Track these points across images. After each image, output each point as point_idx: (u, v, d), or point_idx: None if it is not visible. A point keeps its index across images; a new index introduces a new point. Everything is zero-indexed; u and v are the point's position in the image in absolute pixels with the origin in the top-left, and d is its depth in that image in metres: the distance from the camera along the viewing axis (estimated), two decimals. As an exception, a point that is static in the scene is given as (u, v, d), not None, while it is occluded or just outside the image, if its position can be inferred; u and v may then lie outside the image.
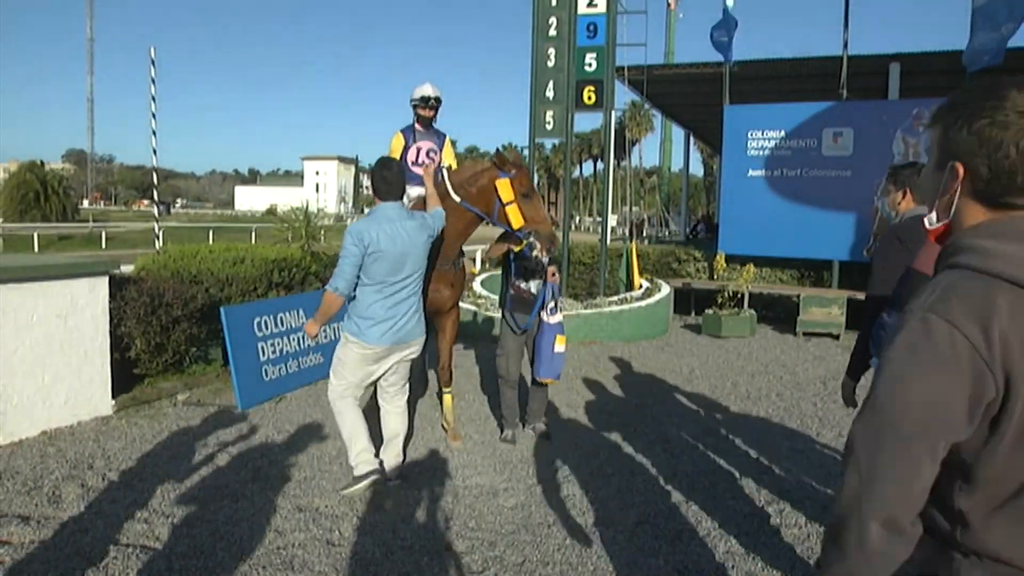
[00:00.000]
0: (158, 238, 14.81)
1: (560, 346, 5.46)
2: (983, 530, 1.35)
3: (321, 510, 4.30)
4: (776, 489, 4.79)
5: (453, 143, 6.54)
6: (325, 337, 7.26)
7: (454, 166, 6.57)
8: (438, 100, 6.47)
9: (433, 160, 6.61)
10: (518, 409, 5.75)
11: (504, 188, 5.13)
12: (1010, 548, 1.33)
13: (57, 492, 4.42)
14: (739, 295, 11.50)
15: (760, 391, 7.57)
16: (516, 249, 5.33)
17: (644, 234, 37.66)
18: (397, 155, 6.50)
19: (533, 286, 5.56)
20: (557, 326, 5.48)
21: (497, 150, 5.33)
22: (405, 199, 6.06)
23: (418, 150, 6.54)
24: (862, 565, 1.37)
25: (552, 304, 5.48)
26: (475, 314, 10.14)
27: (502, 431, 5.74)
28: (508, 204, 5.13)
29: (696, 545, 3.96)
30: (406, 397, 4.92)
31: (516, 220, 5.13)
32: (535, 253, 5.24)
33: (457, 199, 5.29)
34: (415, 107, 6.47)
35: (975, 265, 1.32)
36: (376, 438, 4.75)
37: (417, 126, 6.51)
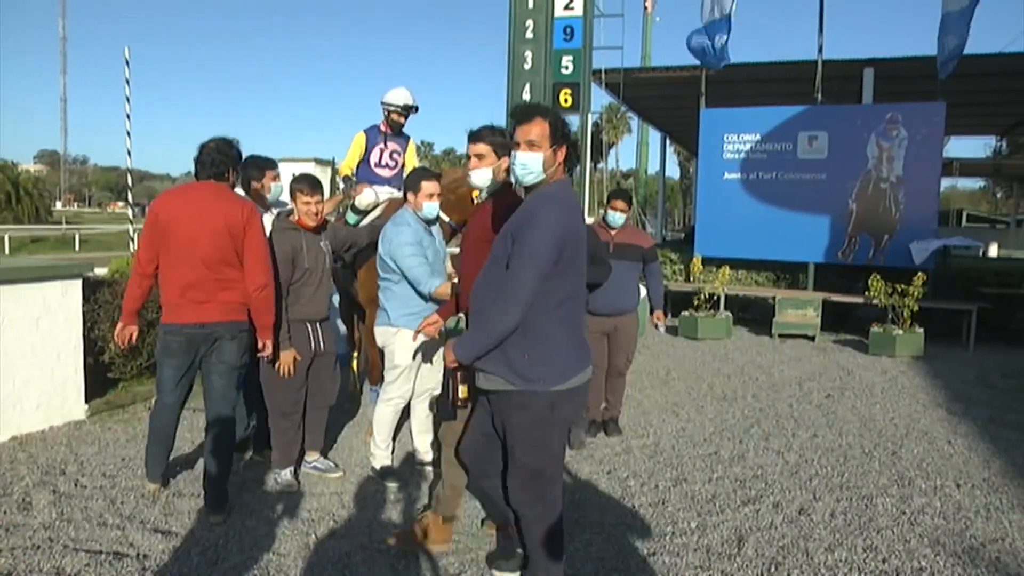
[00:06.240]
0: (133, 240, 14.66)
1: None
2: None
3: (297, 513, 4.27)
4: (753, 491, 4.82)
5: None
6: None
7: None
8: (416, 109, 6.47)
9: (396, 162, 6.59)
10: None
11: None
12: None
13: (27, 499, 4.36)
14: (715, 297, 11.57)
15: (736, 392, 7.62)
16: None
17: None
18: (356, 159, 6.48)
19: None
20: None
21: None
22: (374, 198, 6.04)
23: (381, 151, 6.52)
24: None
25: None
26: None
27: None
28: None
29: (676, 546, 3.98)
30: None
31: None
32: None
33: None
34: (389, 111, 6.45)
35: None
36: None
37: (383, 128, 6.49)
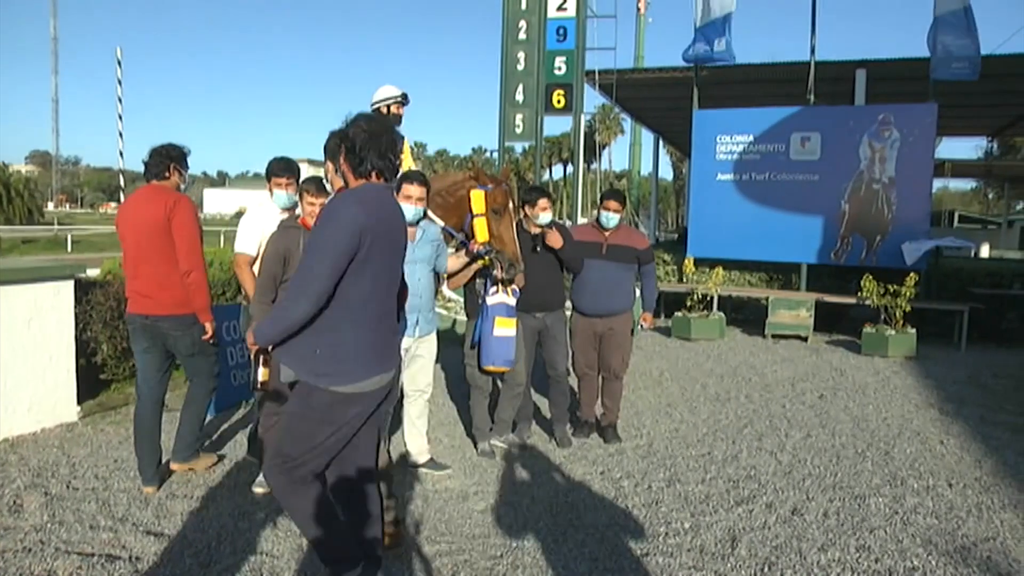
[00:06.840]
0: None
1: (502, 329, 5.11)
2: None
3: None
4: (746, 491, 4.83)
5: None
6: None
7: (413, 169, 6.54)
8: (408, 98, 6.45)
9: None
10: (489, 420, 5.57)
11: (477, 200, 5.05)
12: None
13: (18, 501, 4.34)
14: (708, 298, 11.59)
15: (729, 393, 7.63)
16: (481, 263, 5.19)
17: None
18: None
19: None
20: (498, 307, 5.13)
21: (472, 163, 5.24)
22: None
23: None
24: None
25: (493, 288, 5.16)
26: (443, 317, 10.11)
27: (476, 445, 5.53)
28: (477, 216, 5.05)
29: (670, 547, 3.99)
30: None
31: (482, 233, 5.02)
32: (495, 273, 5.07)
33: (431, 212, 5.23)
34: (389, 106, 6.41)
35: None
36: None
37: None
